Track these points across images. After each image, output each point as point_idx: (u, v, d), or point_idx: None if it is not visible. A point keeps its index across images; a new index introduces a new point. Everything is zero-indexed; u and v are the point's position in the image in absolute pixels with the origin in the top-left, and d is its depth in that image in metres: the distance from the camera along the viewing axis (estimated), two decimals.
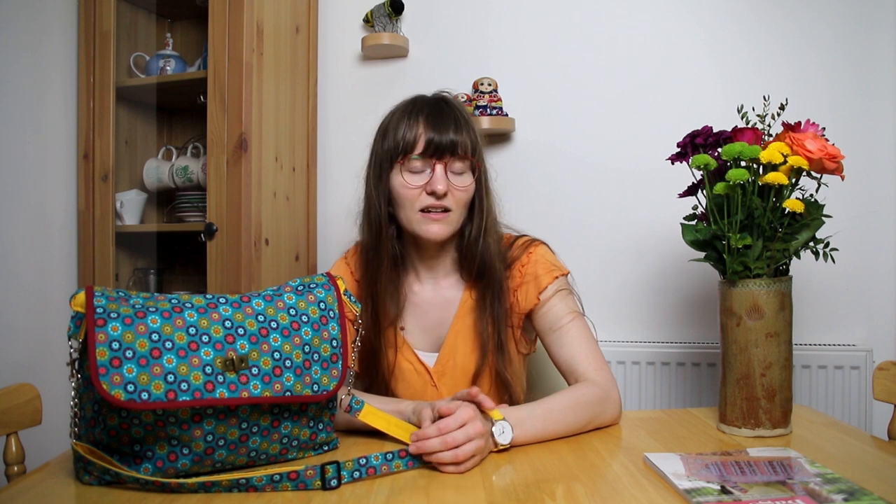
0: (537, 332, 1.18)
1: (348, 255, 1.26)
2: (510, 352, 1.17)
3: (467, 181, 1.12)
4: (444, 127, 1.10)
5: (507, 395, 1.16)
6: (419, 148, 1.09)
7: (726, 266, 1.03)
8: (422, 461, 0.87)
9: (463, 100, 1.86)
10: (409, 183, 1.10)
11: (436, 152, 1.09)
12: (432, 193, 1.09)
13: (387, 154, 1.13)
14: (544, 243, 1.21)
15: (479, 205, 1.14)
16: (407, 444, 0.90)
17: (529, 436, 0.96)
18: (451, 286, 1.19)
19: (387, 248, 1.14)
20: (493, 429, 0.92)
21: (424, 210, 1.10)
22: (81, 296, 0.80)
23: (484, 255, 1.14)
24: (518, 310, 1.16)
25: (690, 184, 1.16)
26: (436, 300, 1.19)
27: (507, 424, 0.93)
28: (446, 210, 1.10)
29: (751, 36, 1.82)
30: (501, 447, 0.92)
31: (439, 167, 1.09)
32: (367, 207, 1.16)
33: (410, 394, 1.17)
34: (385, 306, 1.16)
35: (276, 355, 0.85)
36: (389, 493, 0.78)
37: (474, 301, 1.16)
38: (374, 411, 0.99)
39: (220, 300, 0.86)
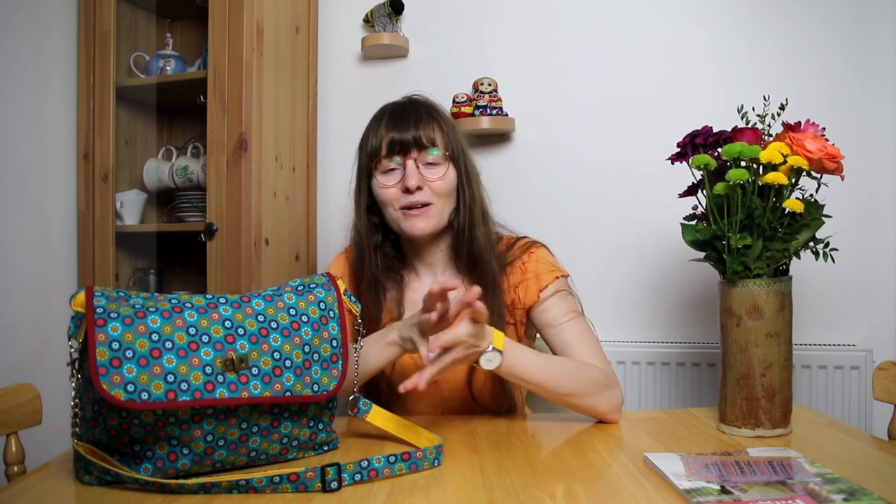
0: (537, 328, 1.19)
1: (349, 249, 1.27)
2: None
3: (441, 171, 1.14)
4: (405, 124, 1.14)
5: (502, 389, 1.16)
6: (385, 148, 1.13)
7: (726, 266, 1.03)
8: (423, 465, 0.87)
9: (463, 100, 1.86)
10: (384, 183, 1.15)
11: (402, 149, 1.13)
12: (406, 190, 1.12)
13: (363, 164, 1.18)
14: (544, 245, 1.23)
15: (463, 195, 1.17)
16: (412, 447, 0.90)
17: (515, 371, 1.01)
18: (450, 280, 1.19)
19: (369, 261, 1.18)
20: (483, 356, 0.97)
21: (406, 208, 1.13)
22: (81, 296, 0.80)
23: (474, 244, 1.16)
24: (521, 305, 1.17)
25: (690, 184, 1.16)
26: None
27: (499, 357, 0.98)
28: (426, 204, 1.13)
29: (751, 36, 1.82)
30: (480, 368, 0.99)
31: (410, 163, 1.13)
32: (354, 220, 1.21)
33: None
34: (378, 306, 1.18)
35: (276, 355, 0.85)
36: (389, 493, 0.78)
37: None
38: (381, 412, 0.99)
39: (220, 300, 0.86)
